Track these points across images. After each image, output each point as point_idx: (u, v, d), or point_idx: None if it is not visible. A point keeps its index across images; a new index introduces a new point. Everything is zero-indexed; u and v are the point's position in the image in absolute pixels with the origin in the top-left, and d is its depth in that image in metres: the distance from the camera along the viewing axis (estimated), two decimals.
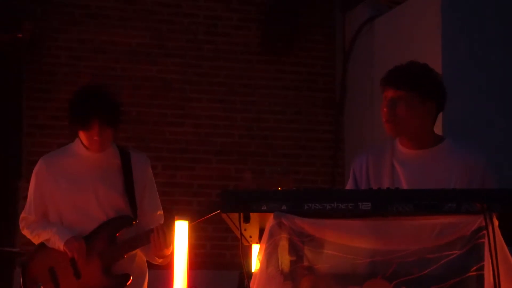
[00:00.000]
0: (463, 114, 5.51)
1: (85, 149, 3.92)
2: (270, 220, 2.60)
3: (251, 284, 2.59)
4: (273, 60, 7.20)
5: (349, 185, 3.31)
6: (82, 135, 3.88)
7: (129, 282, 3.85)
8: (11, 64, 6.58)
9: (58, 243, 3.85)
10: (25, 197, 6.31)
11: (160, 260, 3.87)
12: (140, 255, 3.97)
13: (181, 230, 3.02)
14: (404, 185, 3.13)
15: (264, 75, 7.18)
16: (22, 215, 4.01)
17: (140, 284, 3.99)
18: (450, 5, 5.77)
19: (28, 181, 3.90)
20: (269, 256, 2.58)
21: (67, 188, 3.90)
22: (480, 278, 2.47)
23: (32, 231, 3.97)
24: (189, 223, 3.04)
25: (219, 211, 2.64)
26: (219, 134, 7.02)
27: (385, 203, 2.57)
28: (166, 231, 3.69)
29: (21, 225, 4.01)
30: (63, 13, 6.85)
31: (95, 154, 3.92)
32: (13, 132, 6.53)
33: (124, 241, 3.86)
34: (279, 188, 2.86)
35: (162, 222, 3.90)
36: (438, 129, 3.49)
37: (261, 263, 2.58)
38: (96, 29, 6.93)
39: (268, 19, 7.12)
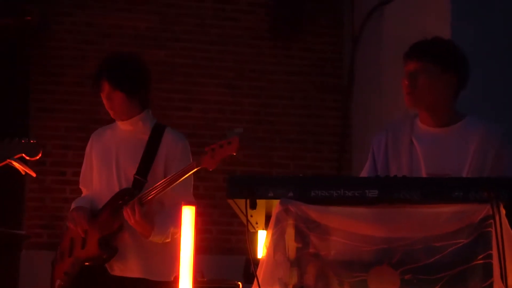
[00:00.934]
0: (473, 97, 5.47)
1: (121, 122, 3.98)
2: (276, 207, 2.59)
3: (258, 271, 2.59)
4: (281, 45, 7.17)
5: (368, 163, 3.32)
6: None
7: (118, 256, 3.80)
8: (18, 48, 6.57)
9: None
10: (32, 181, 6.41)
11: (150, 239, 3.75)
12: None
13: (187, 215, 3.01)
14: (422, 163, 3.15)
15: (272, 60, 7.16)
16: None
17: (160, 269, 3.87)
18: None
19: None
20: (276, 243, 2.58)
21: (97, 160, 4.00)
22: (487, 267, 2.46)
23: None
24: (196, 209, 3.04)
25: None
26: (227, 119, 7.01)
27: (392, 191, 2.56)
28: (138, 209, 3.66)
29: None
30: None
31: (126, 128, 3.97)
32: (20, 116, 6.54)
33: (119, 213, 3.81)
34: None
35: (189, 199, 3.83)
36: None
37: (268, 249, 2.58)
38: (104, 13, 6.91)
39: (276, 3, 7.08)
